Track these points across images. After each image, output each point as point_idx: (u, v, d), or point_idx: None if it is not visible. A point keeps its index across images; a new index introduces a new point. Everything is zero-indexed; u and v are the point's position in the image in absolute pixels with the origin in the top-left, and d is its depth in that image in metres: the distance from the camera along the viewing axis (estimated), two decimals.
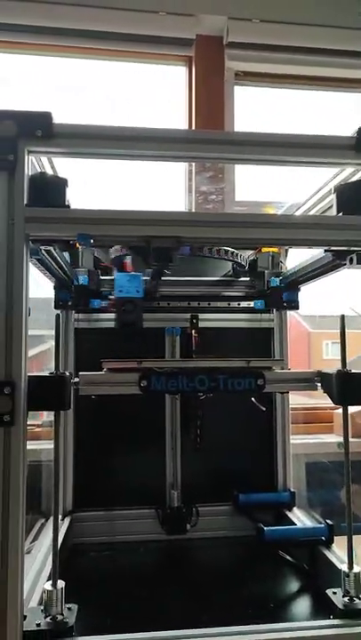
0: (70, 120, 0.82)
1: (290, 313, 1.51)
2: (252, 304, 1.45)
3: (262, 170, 1.73)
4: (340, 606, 0.87)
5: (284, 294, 1.35)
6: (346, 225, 0.86)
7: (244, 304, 1.47)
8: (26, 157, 0.80)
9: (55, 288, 1.32)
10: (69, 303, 1.31)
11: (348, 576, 0.89)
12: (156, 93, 1.93)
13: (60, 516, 1.32)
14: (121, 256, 1.20)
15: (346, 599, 0.88)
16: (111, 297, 1.18)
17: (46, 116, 0.80)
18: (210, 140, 0.87)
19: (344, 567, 0.91)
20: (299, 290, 1.38)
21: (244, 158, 0.89)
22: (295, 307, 1.39)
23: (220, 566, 1.24)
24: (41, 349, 1.41)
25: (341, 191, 0.89)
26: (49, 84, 1.83)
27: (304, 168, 0.90)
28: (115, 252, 1.22)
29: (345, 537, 0.92)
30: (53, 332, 0.90)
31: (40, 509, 1.34)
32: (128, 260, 1.20)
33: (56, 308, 1.32)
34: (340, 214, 0.88)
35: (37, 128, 0.79)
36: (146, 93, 1.91)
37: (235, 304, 1.47)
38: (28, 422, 1.79)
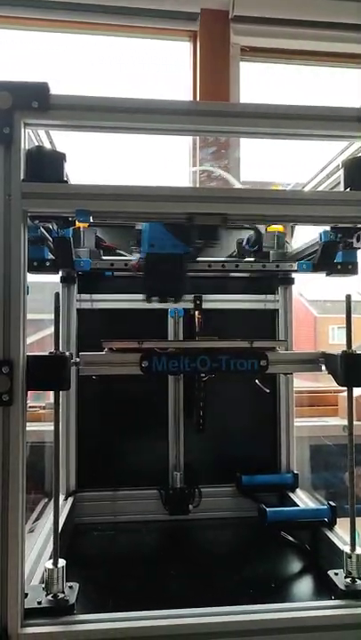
0: (68, 91, 0.79)
1: (296, 297, 1.48)
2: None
3: (267, 149, 1.69)
4: (341, 587, 0.86)
5: (338, 255, 1.06)
6: (354, 200, 0.83)
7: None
8: (22, 130, 0.77)
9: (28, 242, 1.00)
10: (47, 264, 1.06)
11: (350, 557, 0.89)
12: (160, 70, 1.88)
13: (63, 496, 1.33)
14: None
15: (348, 580, 0.88)
16: (137, 255, 0.94)
17: (43, 87, 0.77)
18: (214, 112, 0.84)
19: (346, 548, 0.90)
20: (359, 248, 1.05)
21: (250, 132, 0.87)
22: (353, 270, 1.07)
23: (222, 547, 1.24)
24: (47, 333, 1.40)
25: (350, 166, 0.86)
26: (48, 61, 1.79)
27: (311, 142, 0.88)
28: None
29: (348, 519, 0.91)
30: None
31: (44, 489, 1.34)
32: None
33: (31, 271, 0.97)
34: (348, 190, 0.85)
35: (34, 99, 0.76)
36: (149, 70, 1.86)
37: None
38: (33, 404, 1.80)
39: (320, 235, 1.08)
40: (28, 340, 0.83)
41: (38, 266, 1.04)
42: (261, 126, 0.84)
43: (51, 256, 1.06)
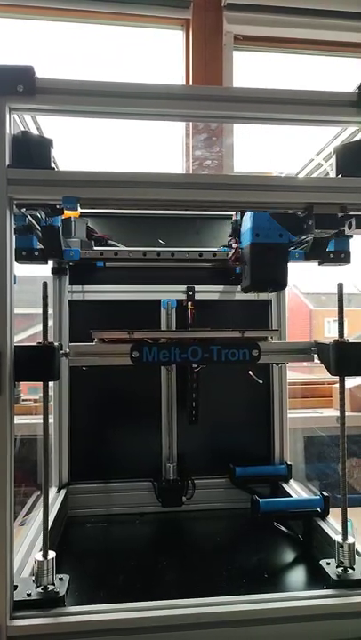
0: (54, 75, 0.77)
1: (291, 290, 1.46)
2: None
3: (259, 139, 1.67)
4: (333, 577, 0.86)
5: (331, 243, 1.04)
6: (346, 187, 0.82)
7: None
8: (7, 115, 0.76)
9: (15, 232, 0.92)
10: (36, 253, 1.04)
11: (341, 547, 0.89)
12: (153, 60, 1.86)
13: (55, 489, 1.32)
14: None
15: (340, 570, 0.88)
16: (235, 245, 0.92)
17: (28, 70, 0.75)
18: (206, 97, 0.82)
19: (338, 538, 0.90)
20: (350, 236, 1.03)
21: (243, 116, 0.85)
22: (345, 259, 1.05)
23: (215, 538, 1.23)
24: (40, 328, 1.38)
25: (342, 152, 0.85)
26: (37, 50, 1.76)
27: (304, 131, 0.86)
28: None
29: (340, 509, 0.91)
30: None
31: (37, 482, 1.34)
32: None
33: (19, 260, 1.02)
34: (340, 176, 0.84)
35: (19, 83, 0.75)
36: (141, 60, 1.84)
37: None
38: (28, 397, 1.79)
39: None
40: (22, 335, 0.82)
41: (27, 255, 1.01)
42: (254, 111, 0.83)
43: (40, 246, 1.05)
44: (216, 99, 0.83)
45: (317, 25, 1.85)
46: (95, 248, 1.31)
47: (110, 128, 1.54)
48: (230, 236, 1.18)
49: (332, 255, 1.05)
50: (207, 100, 0.82)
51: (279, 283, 0.88)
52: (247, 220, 0.90)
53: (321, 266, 1.08)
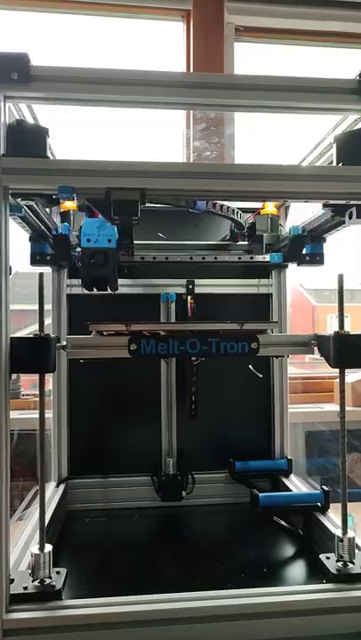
0: (50, 62, 0.76)
1: (294, 286, 1.45)
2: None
3: (259, 130, 1.65)
4: (333, 571, 0.86)
5: (307, 247, 1.17)
6: (347, 176, 0.81)
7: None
8: (2, 104, 0.75)
9: (31, 240, 1.15)
10: (48, 258, 1.16)
11: (341, 541, 0.88)
12: (152, 52, 1.84)
13: (55, 483, 1.31)
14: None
15: (339, 564, 0.87)
16: (78, 249, 1.01)
17: (22, 58, 0.74)
18: (205, 84, 0.81)
19: (338, 532, 0.89)
20: (324, 240, 1.17)
21: (242, 104, 0.84)
22: (320, 261, 1.18)
23: (214, 532, 1.23)
24: (45, 324, 1.37)
25: (342, 141, 0.84)
26: (37, 43, 1.74)
27: (304, 115, 0.85)
28: None
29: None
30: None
31: (36, 476, 1.33)
32: None
33: (33, 263, 1.16)
34: (340, 165, 0.82)
35: (13, 70, 0.73)
36: (142, 52, 1.82)
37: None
38: (28, 392, 1.77)
39: (289, 229, 1.18)
40: (20, 334, 0.81)
41: (40, 259, 1.15)
42: (254, 98, 0.81)
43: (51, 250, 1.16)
44: (216, 86, 0.81)
45: (320, 15, 1.83)
46: None
47: (108, 120, 1.52)
48: None
49: (308, 257, 1.17)
50: (207, 87, 0.81)
51: (108, 281, 0.97)
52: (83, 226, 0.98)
53: (299, 267, 1.22)
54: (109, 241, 0.95)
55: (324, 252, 1.18)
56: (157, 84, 0.80)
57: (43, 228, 1.05)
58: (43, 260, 1.15)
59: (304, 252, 1.19)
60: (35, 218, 0.92)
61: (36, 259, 1.14)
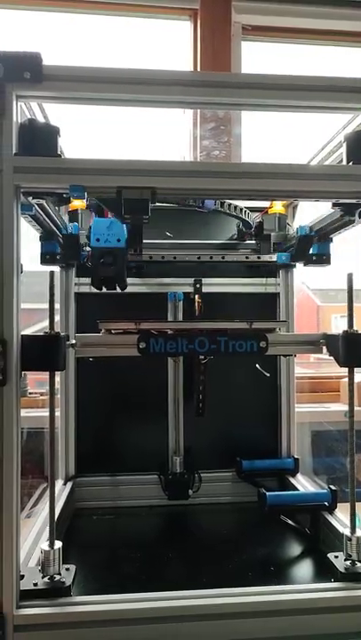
0: (61, 62, 0.76)
1: (299, 285, 1.46)
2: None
3: (267, 129, 1.65)
4: (341, 570, 0.86)
5: (314, 246, 1.18)
6: (357, 175, 0.81)
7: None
8: (14, 103, 0.75)
9: (41, 239, 1.16)
10: (58, 257, 1.17)
11: (350, 540, 0.88)
12: (160, 51, 1.84)
13: (62, 481, 1.32)
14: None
15: (348, 563, 0.87)
16: (87, 249, 1.03)
17: (35, 57, 0.75)
18: (215, 83, 0.81)
19: (347, 531, 0.89)
20: (330, 240, 1.18)
21: (252, 103, 0.84)
22: (326, 261, 1.19)
23: (221, 530, 1.23)
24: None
25: (352, 139, 0.84)
26: (45, 42, 1.75)
27: (313, 120, 0.85)
28: None
29: (349, 503, 0.90)
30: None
31: (43, 474, 1.33)
32: None
33: (43, 263, 1.17)
34: (351, 164, 0.82)
35: (25, 70, 0.74)
36: (149, 51, 1.82)
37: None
38: (35, 390, 1.79)
39: (297, 229, 1.18)
40: (33, 329, 0.82)
41: (50, 258, 1.16)
42: (263, 97, 0.82)
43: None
44: (226, 85, 0.81)
45: (328, 14, 1.82)
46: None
47: (113, 119, 1.52)
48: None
49: (314, 257, 1.19)
50: (216, 86, 0.81)
51: (117, 280, 0.99)
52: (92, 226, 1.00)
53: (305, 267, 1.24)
54: (118, 240, 0.96)
55: (330, 253, 1.19)
56: (168, 84, 0.80)
57: (52, 226, 1.06)
58: (53, 259, 1.16)
59: (311, 251, 1.19)
60: (45, 216, 0.93)
61: (46, 258, 1.16)
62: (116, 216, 0.86)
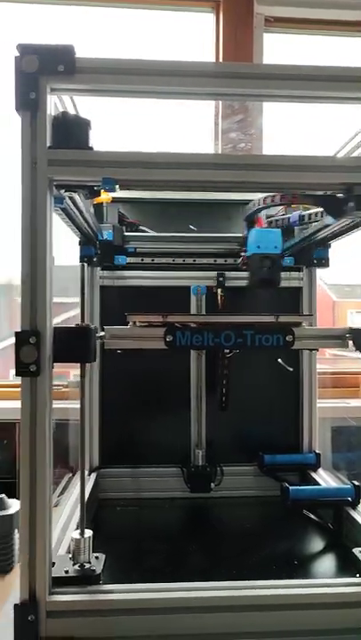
0: (93, 54, 0.77)
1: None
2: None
3: (290, 120, 1.64)
4: None
5: (313, 251, 1.31)
6: None
7: None
8: (48, 95, 0.75)
9: (80, 244, 1.25)
10: (94, 259, 1.27)
11: None
12: (182, 44, 1.83)
13: (87, 472, 1.33)
14: (256, 211, 1.16)
15: None
16: (243, 254, 1.17)
17: (68, 50, 0.75)
18: (248, 75, 0.80)
19: None
20: (329, 246, 1.31)
21: (276, 94, 0.83)
22: (325, 264, 1.33)
23: (243, 524, 1.23)
24: (71, 314, 1.40)
25: None
26: (68, 36, 1.75)
27: (343, 106, 0.84)
28: (252, 205, 1.17)
29: None
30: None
31: (68, 465, 1.35)
32: (262, 215, 1.18)
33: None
34: None
35: (60, 63, 0.74)
36: (170, 44, 1.81)
37: None
38: (56, 383, 1.82)
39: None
40: (55, 321, 0.82)
41: (87, 261, 1.25)
42: (287, 88, 0.81)
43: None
44: (259, 76, 0.80)
45: (353, 5, 1.79)
46: (126, 233, 1.32)
47: (141, 109, 1.53)
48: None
49: (315, 261, 1.33)
50: (248, 77, 0.81)
51: (273, 282, 1.08)
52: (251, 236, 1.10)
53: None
54: (275, 247, 1.06)
55: (329, 257, 1.33)
56: (201, 75, 0.79)
57: (89, 230, 1.12)
58: (90, 261, 1.26)
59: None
60: (74, 209, 0.93)
61: (84, 260, 1.25)
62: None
